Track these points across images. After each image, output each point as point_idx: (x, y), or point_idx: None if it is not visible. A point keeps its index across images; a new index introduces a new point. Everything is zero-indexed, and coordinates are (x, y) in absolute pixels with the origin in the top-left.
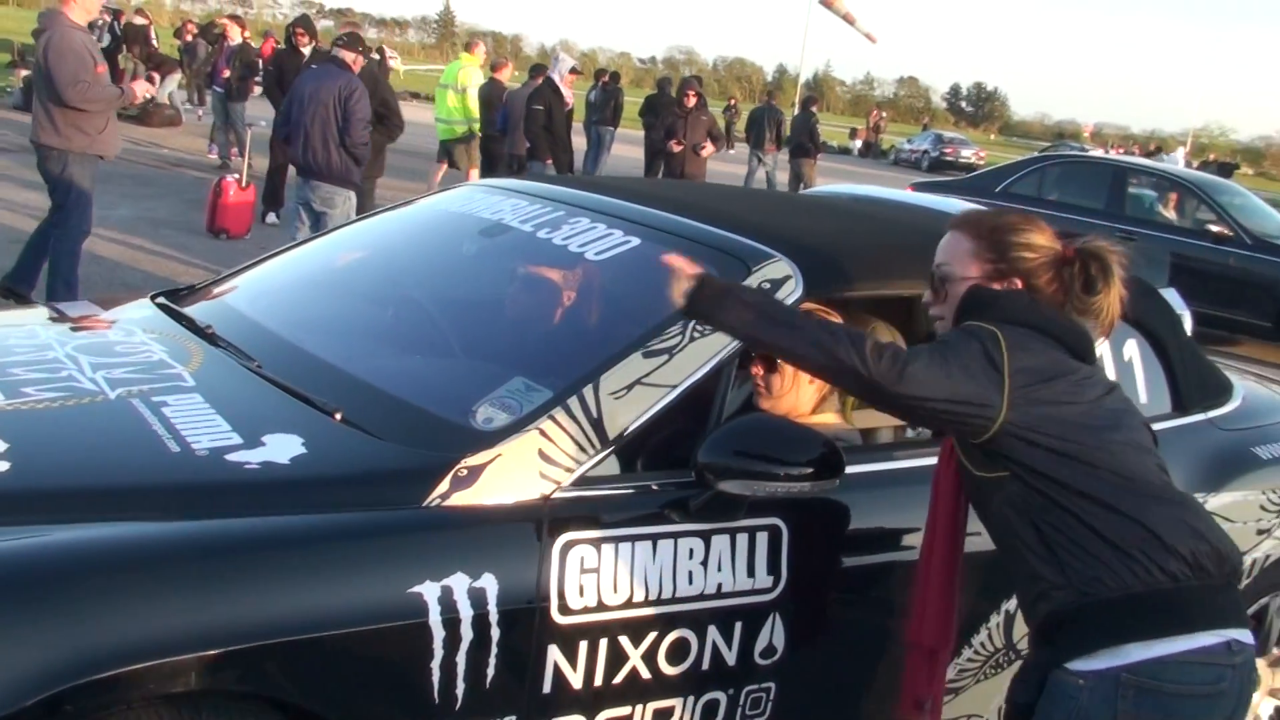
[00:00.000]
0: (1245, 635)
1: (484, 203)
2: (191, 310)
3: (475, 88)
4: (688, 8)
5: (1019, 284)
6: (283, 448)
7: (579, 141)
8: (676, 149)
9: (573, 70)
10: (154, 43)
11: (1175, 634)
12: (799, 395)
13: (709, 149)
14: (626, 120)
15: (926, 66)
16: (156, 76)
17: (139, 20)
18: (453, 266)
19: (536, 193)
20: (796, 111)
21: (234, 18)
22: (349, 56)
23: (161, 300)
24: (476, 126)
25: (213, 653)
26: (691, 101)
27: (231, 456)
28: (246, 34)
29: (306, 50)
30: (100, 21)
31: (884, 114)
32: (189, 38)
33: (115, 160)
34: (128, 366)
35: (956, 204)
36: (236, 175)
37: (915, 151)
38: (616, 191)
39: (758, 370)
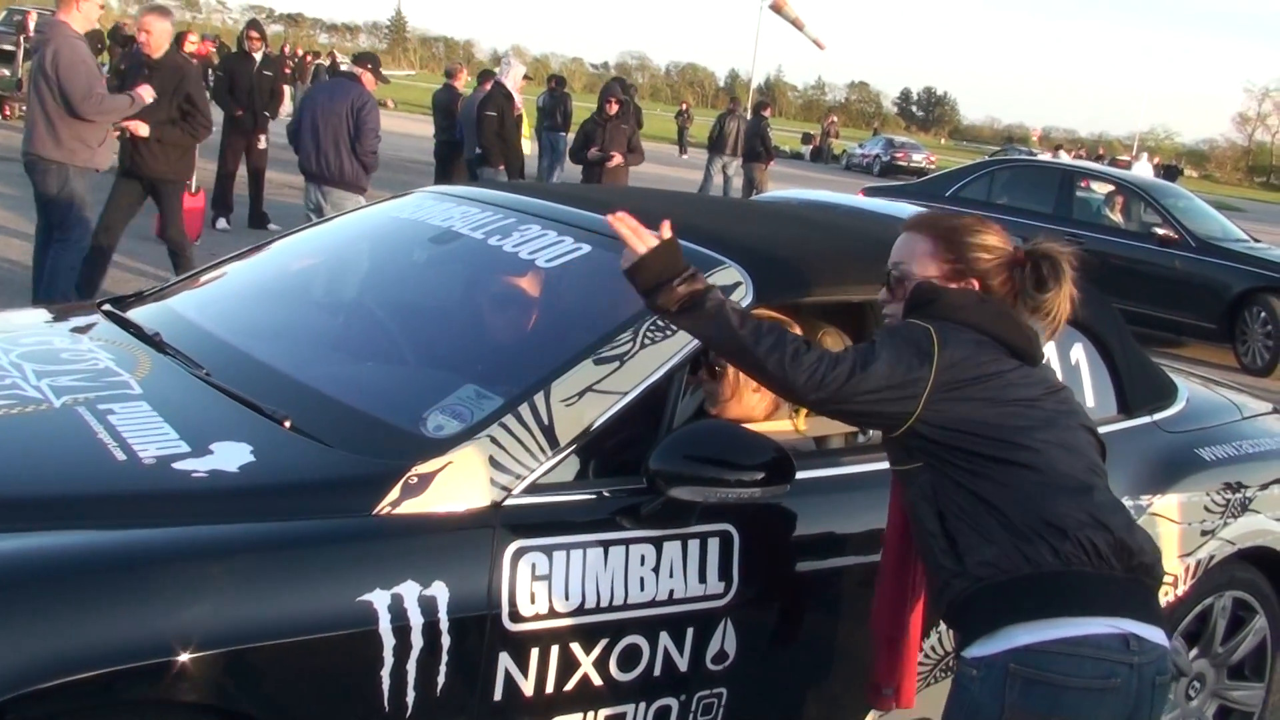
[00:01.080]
0: (1151, 633)
1: (434, 209)
2: (139, 317)
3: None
4: (640, 13)
5: (975, 284)
6: (231, 456)
7: (531, 148)
8: (609, 162)
9: (525, 77)
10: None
11: (1060, 616)
12: (745, 402)
13: (617, 159)
14: (577, 126)
15: (877, 72)
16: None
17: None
18: (403, 273)
19: (487, 199)
20: (748, 117)
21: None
22: (360, 72)
23: (108, 308)
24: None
25: (160, 662)
26: (613, 109)
27: (179, 465)
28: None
29: (258, 55)
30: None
31: (834, 118)
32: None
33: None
34: (74, 374)
35: (906, 208)
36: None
37: (867, 156)
38: (567, 198)
39: (702, 377)
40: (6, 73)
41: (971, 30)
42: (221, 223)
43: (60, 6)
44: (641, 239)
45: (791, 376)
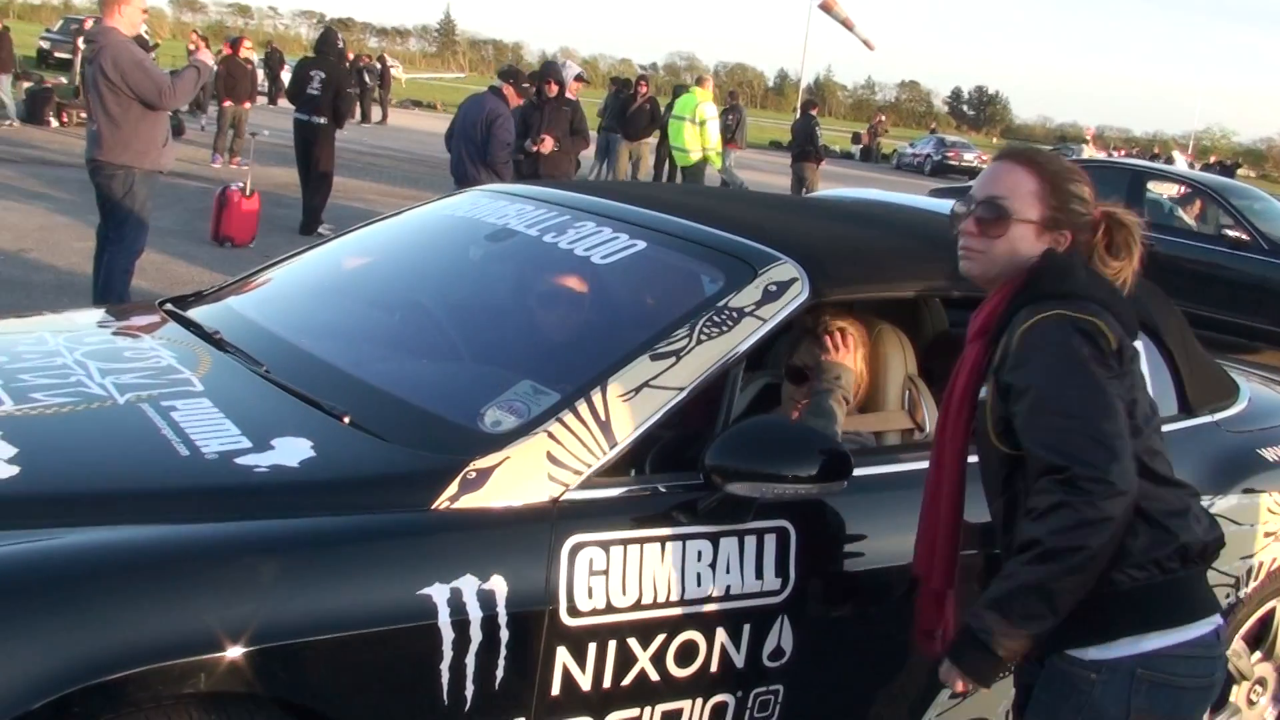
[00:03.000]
0: (1222, 623)
1: (490, 208)
2: (199, 316)
3: (714, 120)
4: (689, 14)
5: (1068, 237)
6: (292, 451)
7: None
8: (533, 149)
9: (577, 78)
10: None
11: (1184, 623)
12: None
13: (548, 143)
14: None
15: (928, 71)
16: (207, 54)
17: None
18: (459, 271)
19: (542, 197)
20: (797, 116)
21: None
22: (502, 86)
23: (169, 307)
24: (713, 155)
25: (222, 655)
26: (553, 91)
27: (241, 460)
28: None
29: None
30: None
31: (883, 118)
32: (191, 47)
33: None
34: (136, 372)
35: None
36: (240, 184)
37: (918, 155)
38: (621, 195)
39: (791, 383)
40: (64, 80)
41: (1023, 28)
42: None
43: (105, 12)
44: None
45: (1107, 523)
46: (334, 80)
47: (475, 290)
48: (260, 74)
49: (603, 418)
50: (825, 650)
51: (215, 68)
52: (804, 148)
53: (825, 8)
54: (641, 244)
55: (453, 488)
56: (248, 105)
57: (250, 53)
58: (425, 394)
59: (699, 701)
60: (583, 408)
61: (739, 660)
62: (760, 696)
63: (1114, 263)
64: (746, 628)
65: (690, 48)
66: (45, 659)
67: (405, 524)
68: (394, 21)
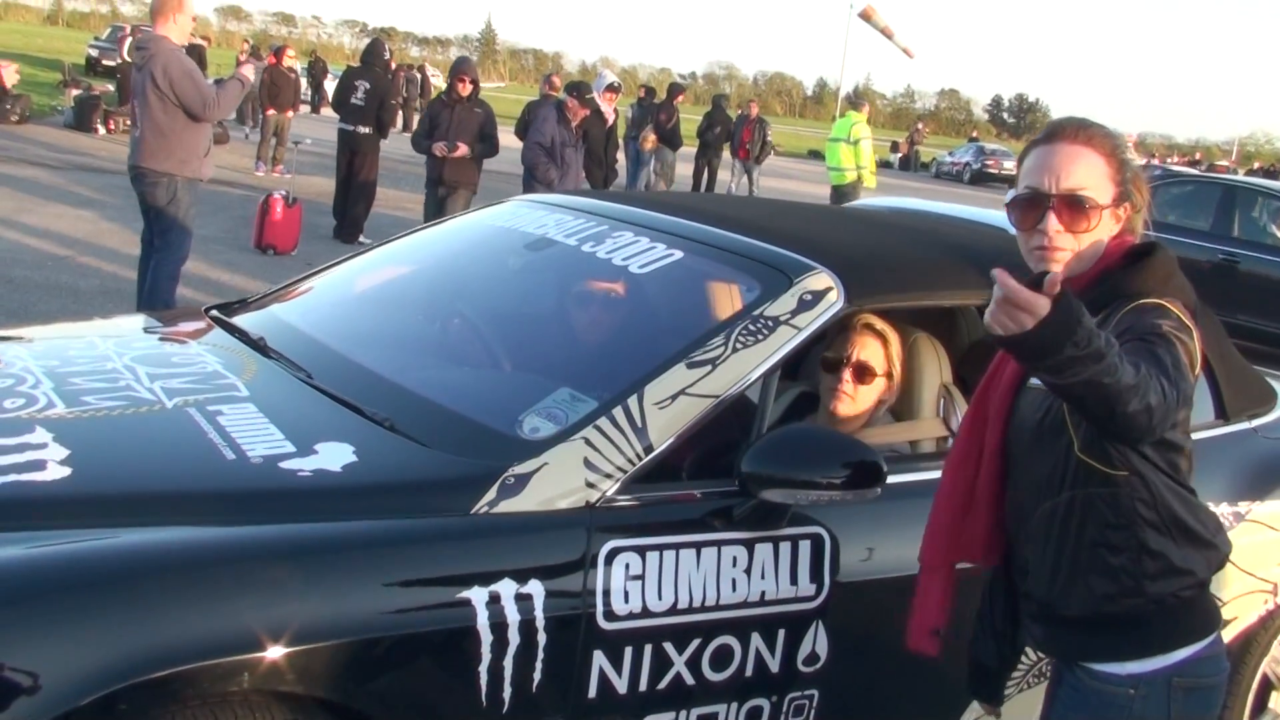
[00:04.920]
0: None
1: (529, 217)
2: (244, 322)
3: (868, 140)
4: (727, 23)
5: (1129, 211)
6: (335, 456)
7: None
8: (440, 152)
9: (610, 87)
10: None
11: (1213, 631)
12: (853, 408)
13: (462, 150)
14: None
15: (967, 79)
16: (249, 67)
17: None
18: (499, 280)
19: (581, 207)
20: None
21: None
22: (569, 101)
23: (215, 313)
24: (867, 175)
25: (264, 655)
26: (465, 90)
27: (285, 464)
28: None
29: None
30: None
31: (920, 126)
32: (241, 58)
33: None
34: (184, 377)
35: (997, 216)
36: (283, 192)
37: (957, 164)
38: (659, 205)
39: (845, 378)
40: (111, 88)
41: (1064, 35)
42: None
43: (156, 20)
44: (1030, 304)
45: (1158, 418)
46: (379, 90)
47: (514, 299)
48: (304, 83)
49: (639, 424)
50: (860, 656)
51: (255, 79)
52: None
53: (865, 16)
54: (679, 253)
55: (491, 493)
56: (290, 114)
57: (293, 61)
58: (465, 401)
59: (734, 705)
60: (619, 414)
61: (774, 665)
62: (795, 701)
63: (1139, 216)
64: (781, 632)
65: (729, 57)
66: (94, 656)
67: (445, 528)
68: (435, 31)
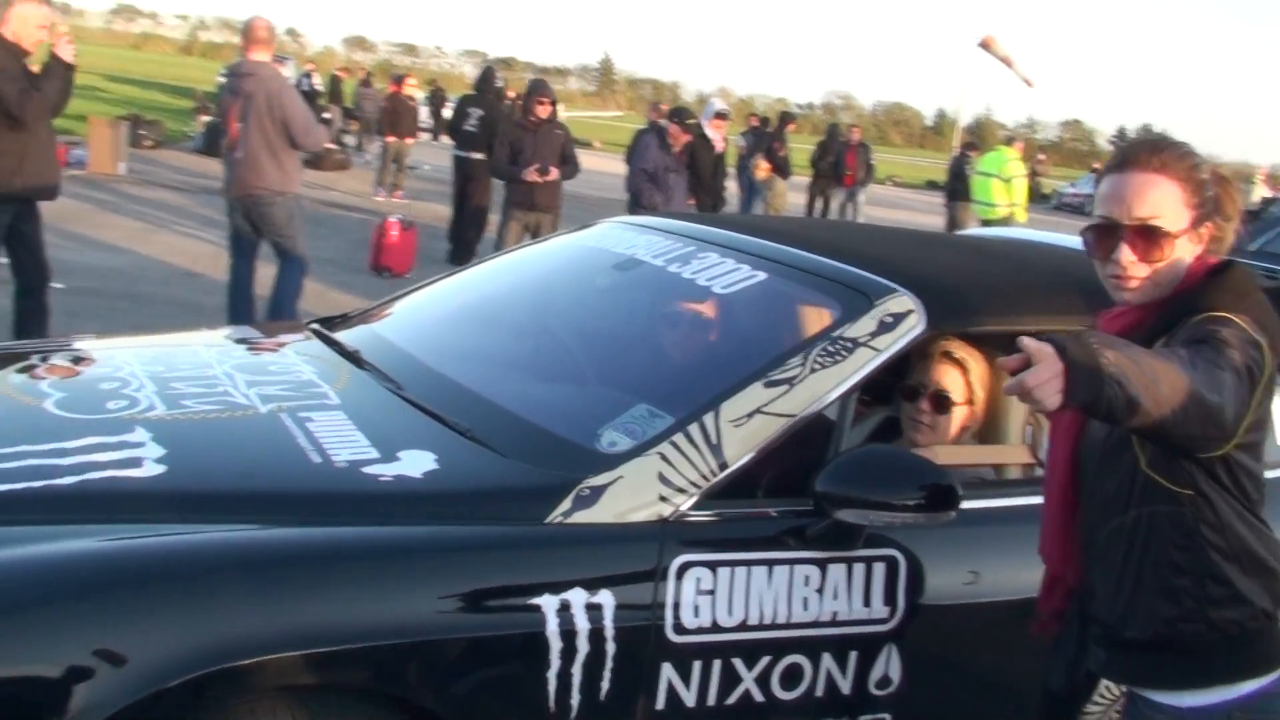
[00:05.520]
0: None
1: (619, 238)
2: (342, 336)
3: (1022, 178)
4: (846, 53)
5: (1210, 230)
6: (417, 463)
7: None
8: (532, 177)
9: (718, 114)
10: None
11: (1279, 668)
12: (956, 435)
13: (553, 174)
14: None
15: (1091, 109)
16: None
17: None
18: (586, 298)
19: (670, 229)
20: (955, 155)
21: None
22: (671, 128)
23: (315, 326)
24: (1019, 211)
25: (339, 649)
26: (544, 113)
27: (368, 469)
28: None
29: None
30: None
31: (1041, 157)
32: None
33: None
34: (279, 384)
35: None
36: (400, 216)
37: (1078, 195)
38: (746, 228)
39: (923, 407)
40: None
41: (1188, 64)
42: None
43: (254, 47)
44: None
45: (1230, 415)
46: (491, 117)
47: (600, 317)
48: (423, 111)
49: (714, 441)
50: (933, 682)
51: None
52: (955, 187)
53: (985, 46)
54: (762, 275)
55: (566, 503)
56: (410, 141)
57: (413, 90)
58: (546, 414)
59: None
60: (695, 431)
61: (845, 686)
62: None
63: (1225, 224)
64: (853, 654)
65: (847, 87)
66: (181, 642)
67: (519, 536)
68: (554, 61)
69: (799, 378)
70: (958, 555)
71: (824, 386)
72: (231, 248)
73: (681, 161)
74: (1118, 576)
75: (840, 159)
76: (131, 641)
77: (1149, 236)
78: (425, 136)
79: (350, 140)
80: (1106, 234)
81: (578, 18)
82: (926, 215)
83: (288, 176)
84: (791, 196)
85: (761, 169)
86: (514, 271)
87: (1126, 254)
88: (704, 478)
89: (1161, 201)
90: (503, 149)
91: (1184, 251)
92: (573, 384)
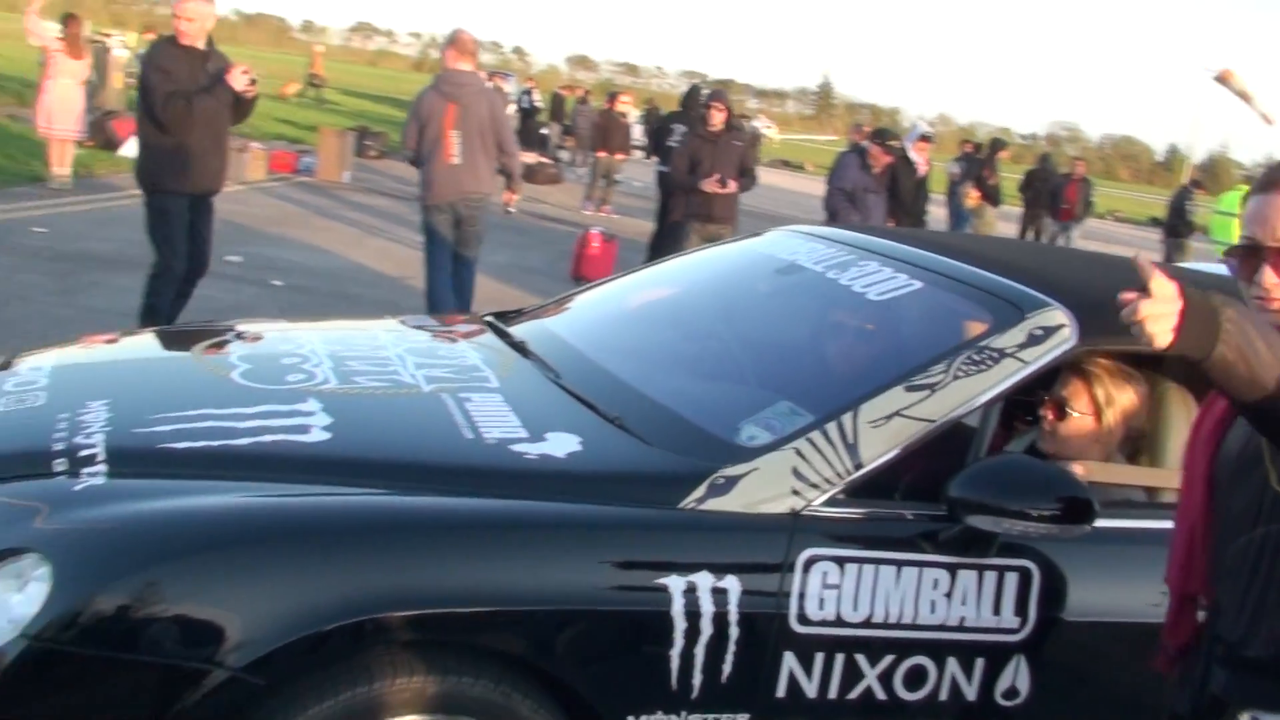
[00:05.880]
0: None
1: (786, 245)
2: (514, 328)
3: None
4: (1073, 84)
5: None
6: (562, 444)
7: (935, 211)
8: (711, 188)
9: (923, 137)
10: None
11: None
12: (1077, 446)
13: (731, 186)
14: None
15: None
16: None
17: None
18: (745, 301)
19: (834, 238)
20: (1178, 190)
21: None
22: (873, 149)
23: (490, 319)
24: None
25: (475, 610)
26: (718, 121)
27: (515, 447)
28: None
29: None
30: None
31: None
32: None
33: (498, 213)
34: (445, 368)
35: None
36: (602, 229)
37: None
38: (911, 240)
39: (1045, 414)
40: None
41: None
42: None
43: (464, 58)
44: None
45: None
46: None
47: (756, 319)
48: (638, 129)
49: (850, 441)
50: (1064, 698)
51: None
52: (1175, 224)
53: (1222, 80)
54: (918, 284)
55: (700, 491)
56: (620, 157)
57: (626, 108)
58: (693, 406)
59: None
60: (832, 429)
61: (970, 693)
62: None
63: None
64: (980, 661)
65: (1074, 118)
66: (337, 592)
67: (652, 518)
68: (774, 84)
69: (941, 384)
70: (1097, 573)
71: (966, 394)
72: (434, 250)
73: (881, 183)
74: (1243, 594)
75: (1060, 192)
76: (290, 589)
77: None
78: (638, 154)
79: (565, 155)
80: (1250, 256)
81: (799, 41)
82: (1143, 252)
83: (493, 181)
84: (1000, 226)
85: (971, 197)
86: (683, 273)
87: (1270, 276)
88: (838, 475)
89: None
90: (681, 160)
91: None
92: (723, 381)
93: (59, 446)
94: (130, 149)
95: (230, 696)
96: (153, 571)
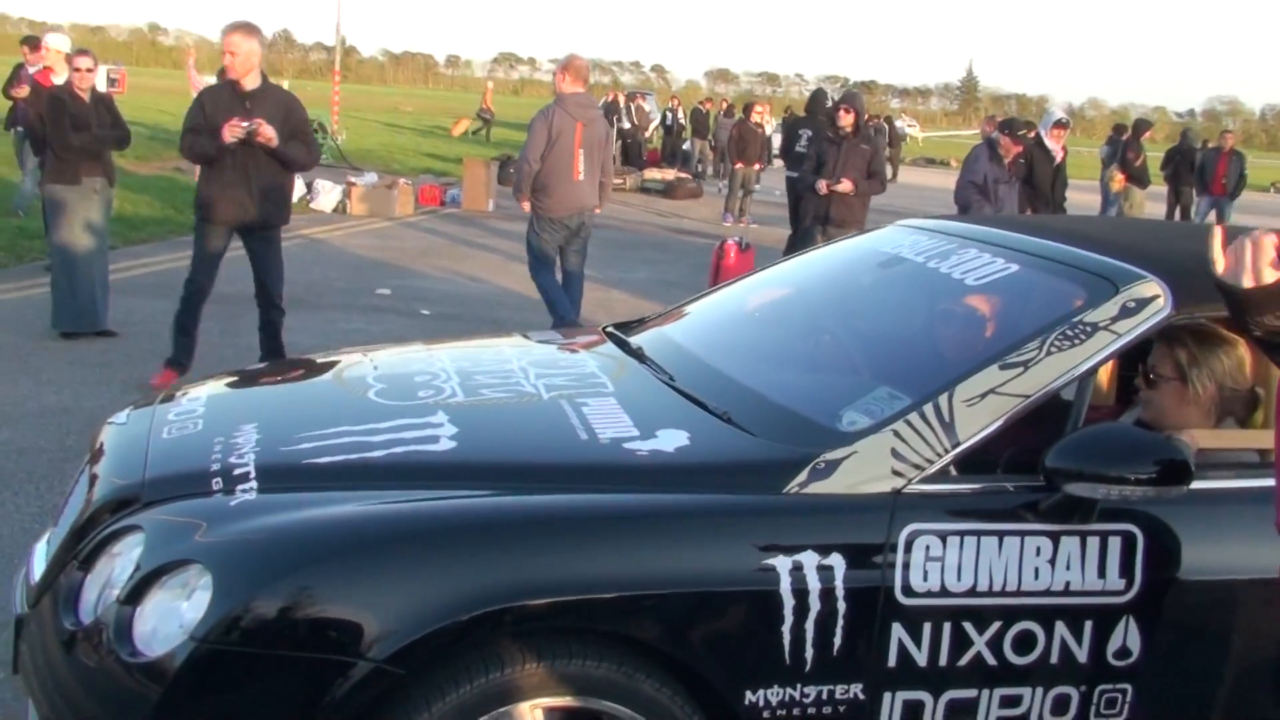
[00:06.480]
0: None
1: (893, 239)
2: (632, 336)
3: None
4: (1229, 56)
5: None
6: (671, 439)
7: (1086, 198)
8: (825, 190)
9: (1058, 124)
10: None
11: None
12: (1182, 413)
13: (845, 185)
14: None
15: None
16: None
17: (705, 107)
18: (851, 295)
19: (940, 229)
20: None
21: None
22: (1002, 139)
23: (610, 329)
24: None
25: (595, 597)
26: (847, 123)
27: (628, 445)
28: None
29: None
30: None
31: None
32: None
33: (639, 230)
34: (564, 375)
35: None
36: (738, 238)
37: None
38: (1013, 225)
39: (1140, 386)
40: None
41: None
42: None
43: (581, 82)
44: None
45: None
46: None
47: (860, 311)
48: (778, 139)
49: (947, 419)
50: (1176, 655)
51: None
52: None
53: None
54: (1015, 266)
55: (803, 475)
56: (758, 166)
57: (759, 118)
58: (798, 398)
59: (1039, 690)
60: (929, 410)
61: (1081, 655)
62: (1106, 693)
63: None
64: (1088, 624)
65: (1233, 91)
66: (472, 584)
67: (757, 504)
68: (917, 82)
69: (1035, 360)
70: (1201, 533)
71: (1060, 369)
72: (547, 265)
73: (1013, 172)
74: None
75: (1208, 167)
76: (426, 584)
77: None
78: (777, 163)
79: (707, 169)
80: None
81: (942, 35)
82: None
83: (600, 198)
84: (1150, 206)
85: (1116, 180)
86: (794, 273)
87: None
88: (937, 454)
89: None
90: (810, 162)
91: None
92: (828, 372)
93: (215, 467)
94: None
95: (376, 686)
96: (301, 575)
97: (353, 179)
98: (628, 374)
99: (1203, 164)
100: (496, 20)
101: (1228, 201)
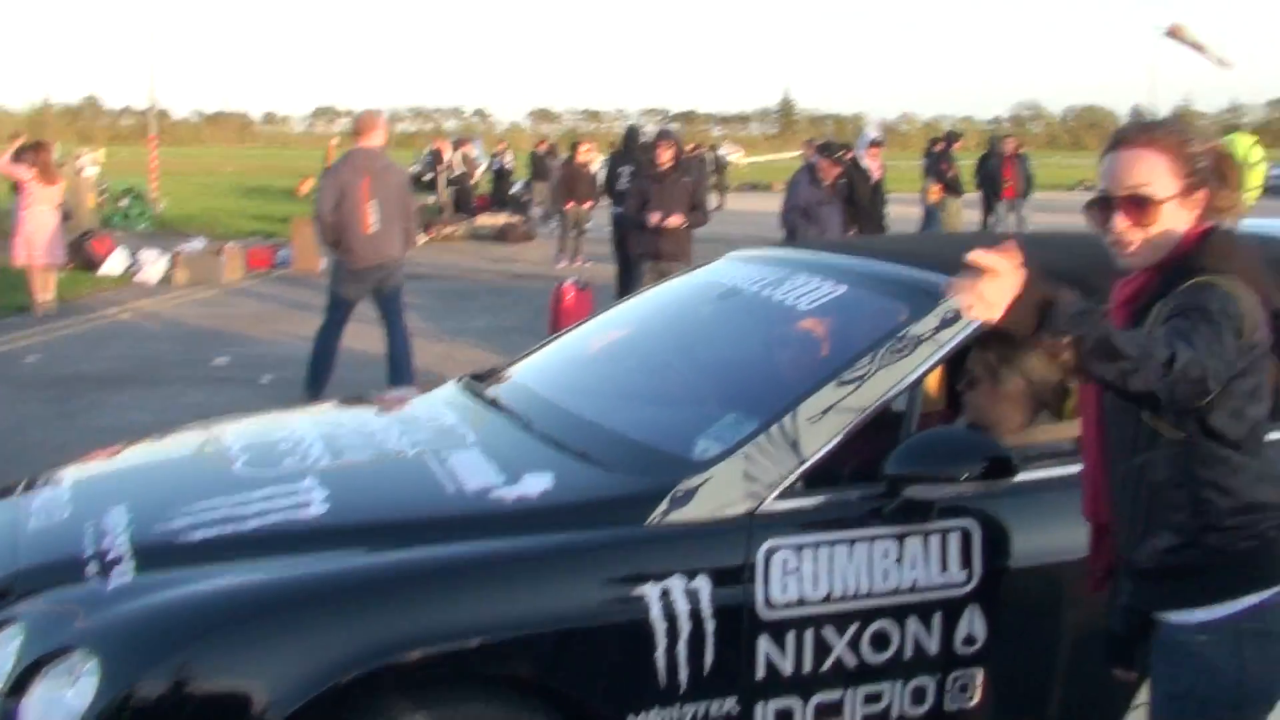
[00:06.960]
0: None
1: (727, 272)
2: (486, 386)
3: (1264, 163)
4: (1029, 63)
5: (1203, 193)
6: (536, 484)
7: (908, 211)
8: (654, 223)
9: (873, 143)
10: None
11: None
12: (999, 412)
13: (675, 219)
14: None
15: None
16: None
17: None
18: (690, 328)
19: (771, 259)
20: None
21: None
22: (821, 162)
23: (466, 380)
24: (1253, 197)
25: (472, 643)
26: (665, 159)
27: (493, 493)
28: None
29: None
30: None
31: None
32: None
33: (475, 277)
34: (425, 431)
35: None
36: (574, 279)
37: None
38: (838, 249)
39: (962, 389)
40: (431, 200)
41: None
42: None
43: (366, 137)
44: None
45: (1178, 394)
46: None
47: (702, 343)
48: (601, 175)
49: (793, 438)
50: (1017, 635)
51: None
52: None
53: (1174, 34)
54: (844, 288)
55: (663, 505)
56: (588, 205)
57: (588, 156)
58: (650, 431)
59: (899, 684)
60: (775, 432)
61: (932, 647)
62: (959, 680)
63: (1227, 192)
64: (937, 616)
65: (1034, 95)
66: (351, 645)
67: (623, 537)
68: (736, 109)
69: (868, 374)
70: (1027, 522)
71: (891, 380)
72: (339, 320)
73: (833, 194)
74: (1130, 514)
75: (996, 172)
76: (307, 649)
77: (1138, 204)
78: (606, 200)
79: (536, 212)
80: (1103, 207)
81: (758, 62)
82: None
83: (403, 246)
84: (966, 214)
85: (932, 192)
86: (635, 311)
87: (1120, 221)
88: (784, 471)
89: (1148, 171)
90: (634, 200)
91: (1176, 218)
92: (677, 404)
93: (89, 552)
94: (109, 265)
95: None
96: (185, 652)
97: (179, 248)
98: (487, 423)
99: (990, 172)
100: (311, 74)
101: (1021, 203)
